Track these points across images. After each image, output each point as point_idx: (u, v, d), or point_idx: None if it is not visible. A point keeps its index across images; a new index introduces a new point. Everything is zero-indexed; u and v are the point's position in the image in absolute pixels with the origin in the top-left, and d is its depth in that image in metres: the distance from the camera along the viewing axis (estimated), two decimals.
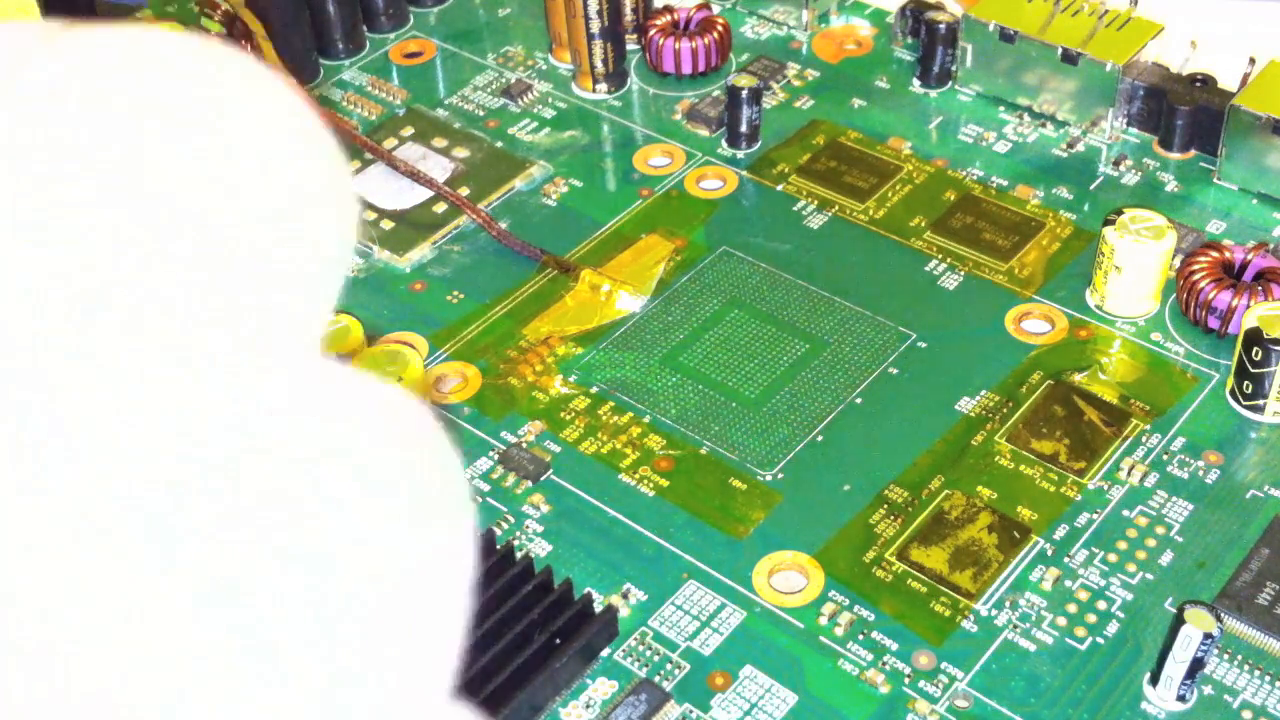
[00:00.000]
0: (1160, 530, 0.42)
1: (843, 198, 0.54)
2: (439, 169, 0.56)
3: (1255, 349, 0.44)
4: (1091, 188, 0.54)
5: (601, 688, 0.39)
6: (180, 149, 0.15)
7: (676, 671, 0.39)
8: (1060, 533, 0.42)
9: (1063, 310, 0.49)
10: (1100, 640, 0.39)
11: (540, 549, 0.42)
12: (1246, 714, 0.37)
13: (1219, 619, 0.36)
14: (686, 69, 0.60)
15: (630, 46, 0.61)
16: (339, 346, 0.45)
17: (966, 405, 0.46)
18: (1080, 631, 0.39)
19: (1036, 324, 0.49)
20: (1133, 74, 0.55)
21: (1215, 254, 0.48)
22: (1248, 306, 0.45)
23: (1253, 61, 0.54)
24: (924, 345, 0.48)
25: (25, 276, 0.14)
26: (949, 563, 0.41)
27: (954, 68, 0.59)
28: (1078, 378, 0.47)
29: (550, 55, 0.63)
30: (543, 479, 0.45)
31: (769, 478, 0.44)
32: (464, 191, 0.55)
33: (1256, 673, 0.38)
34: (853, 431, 0.46)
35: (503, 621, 0.39)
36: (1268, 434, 0.44)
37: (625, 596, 0.41)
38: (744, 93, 0.56)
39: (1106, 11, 0.56)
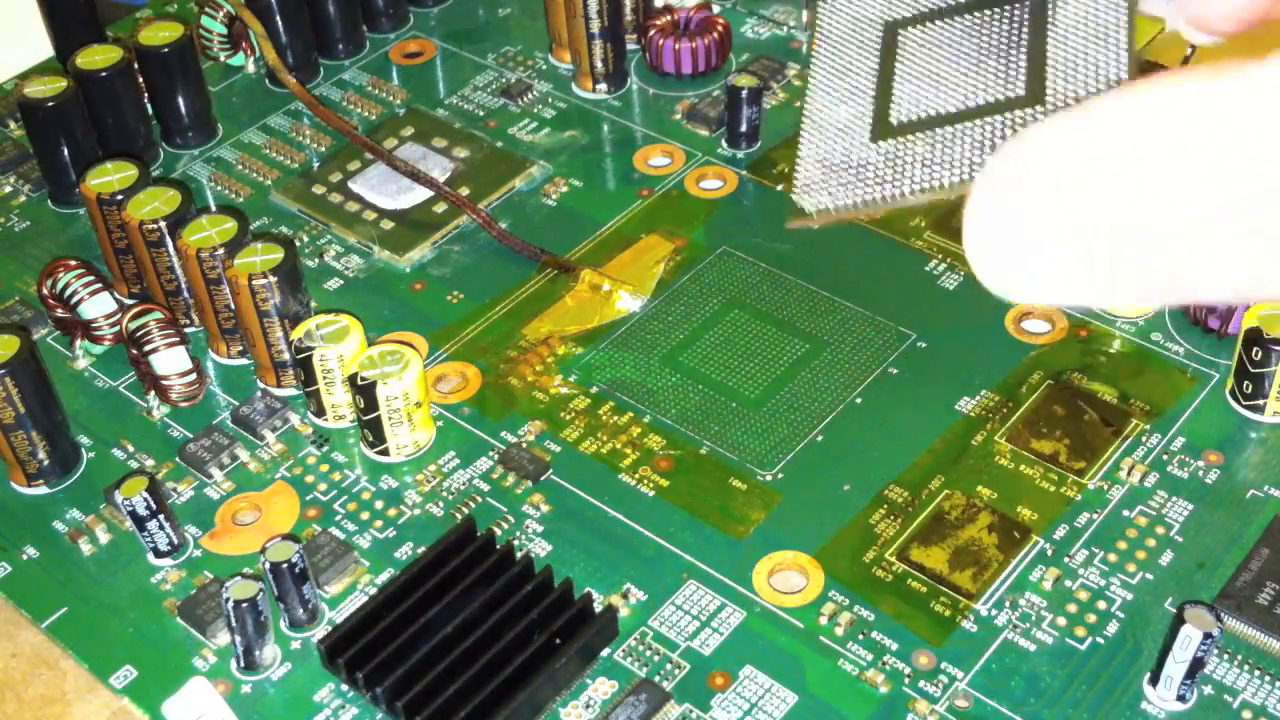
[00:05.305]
0: (1160, 530, 0.42)
1: None
2: (439, 169, 0.56)
3: (1255, 349, 0.44)
4: None
5: (601, 688, 0.39)
6: None
7: (676, 671, 0.39)
8: (1060, 533, 0.42)
9: (1063, 310, 0.49)
10: (1100, 640, 0.39)
11: (540, 549, 0.42)
12: (1246, 714, 0.37)
13: (1219, 619, 0.36)
14: (686, 69, 0.60)
15: (630, 46, 0.61)
16: (339, 346, 0.45)
17: (966, 405, 0.46)
18: (1080, 631, 0.39)
19: (1036, 324, 0.49)
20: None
21: None
22: (1248, 306, 0.45)
23: None
24: (924, 345, 0.48)
25: None
26: (949, 563, 0.41)
27: None
28: (1078, 377, 0.47)
29: (550, 55, 0.63)
30: (543, 479, 0.45)
31: (769, 478, 0.44)
32: (464, 191, 0.55)
33: (1256, 673, 0.38)
34: (853, 431, 0.46)
35: (503, 621, 0.39)
36: (1268, 434, 0.44)
37: (625, 596, 0.41)
38: (744, 93, 0.56)
39: None
